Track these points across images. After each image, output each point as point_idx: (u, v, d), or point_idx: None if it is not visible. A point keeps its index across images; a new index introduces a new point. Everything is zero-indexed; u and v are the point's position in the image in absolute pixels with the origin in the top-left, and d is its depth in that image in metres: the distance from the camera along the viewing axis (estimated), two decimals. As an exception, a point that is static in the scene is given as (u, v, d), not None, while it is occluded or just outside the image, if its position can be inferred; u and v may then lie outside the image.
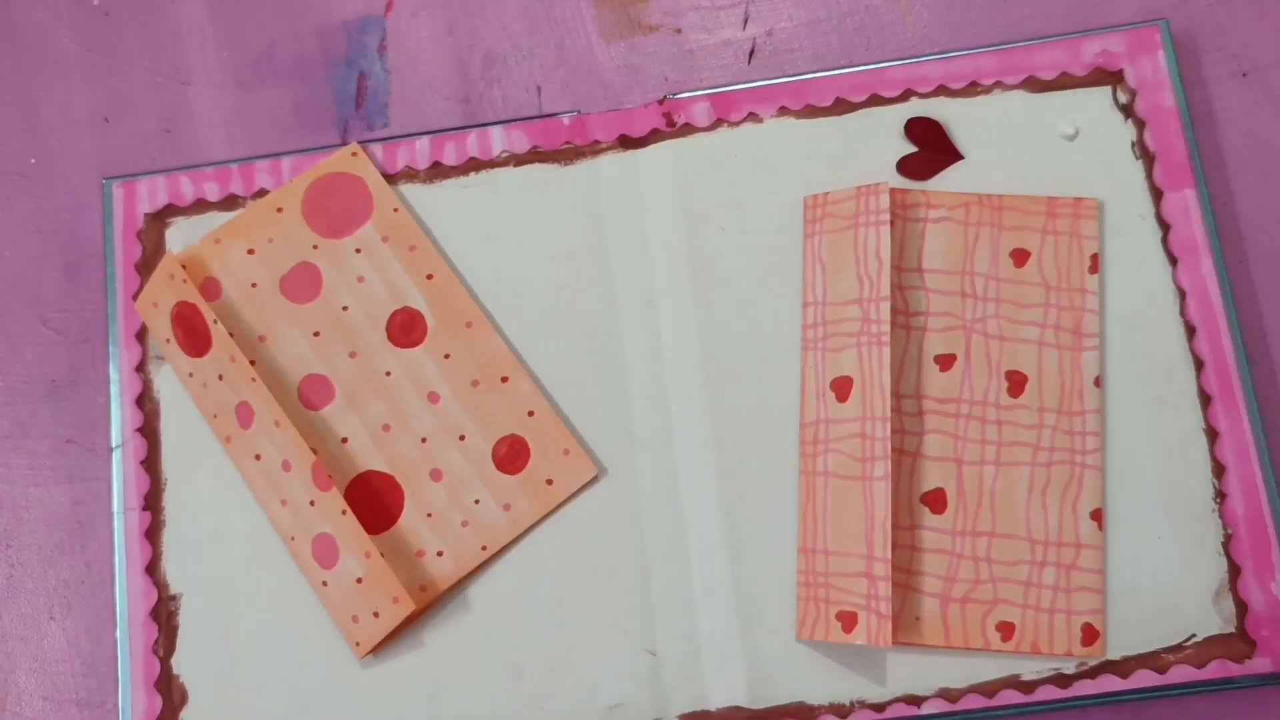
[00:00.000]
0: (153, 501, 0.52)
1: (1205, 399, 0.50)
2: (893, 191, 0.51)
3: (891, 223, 0.50)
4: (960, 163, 0.53)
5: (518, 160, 0.55)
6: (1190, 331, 0.51)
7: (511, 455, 0.52)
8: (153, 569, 0.51)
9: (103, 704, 0.51)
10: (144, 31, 0.58)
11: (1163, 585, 0.49)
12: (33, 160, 0.56)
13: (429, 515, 0.51)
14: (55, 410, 0.54)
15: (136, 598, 0.51)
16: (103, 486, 0.53)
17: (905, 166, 0.53)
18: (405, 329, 0.53)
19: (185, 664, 0.51)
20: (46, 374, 0.54)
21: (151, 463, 0.52)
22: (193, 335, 0.52)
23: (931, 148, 0.53)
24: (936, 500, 0.50)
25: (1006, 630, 0.49)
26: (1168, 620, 0.49)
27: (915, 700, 0.49)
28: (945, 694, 0.49)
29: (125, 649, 0.50)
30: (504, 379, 0.53)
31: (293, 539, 0.51)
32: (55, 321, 0.55)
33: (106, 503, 0.52)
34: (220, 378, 0.51)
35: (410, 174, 0.55)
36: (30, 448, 0.53)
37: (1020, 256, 0.51)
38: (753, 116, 0.54)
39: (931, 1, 0.56)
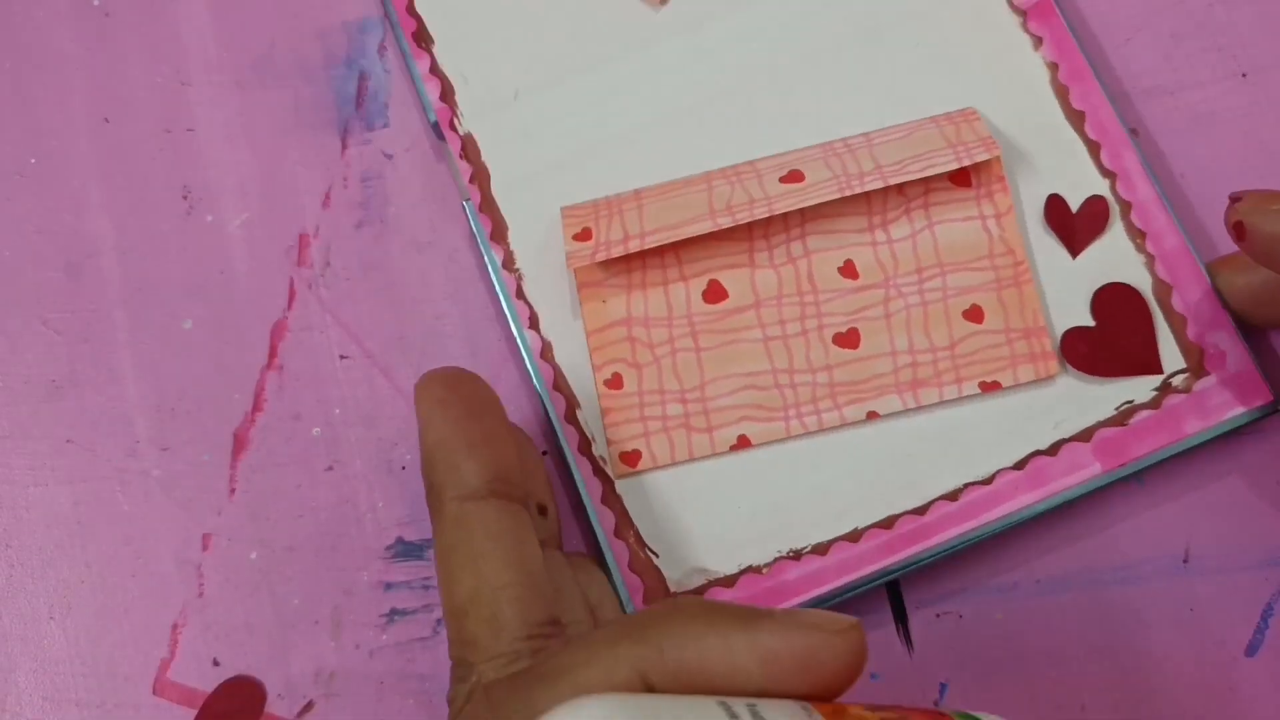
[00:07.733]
0: None
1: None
2: None
3: None
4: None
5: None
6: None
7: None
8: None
9: (103, 704, 0.51)
10: (144, 31, 0.57)
11: None
12: (33, 160, 0.56)
13: None
14: (55, 410, 0.54)
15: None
16: (103, 486, 0.53)
17: None
18: None
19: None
20: (46, 374, 0.54)
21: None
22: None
23: None
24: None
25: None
26: None
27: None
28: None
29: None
30: None
31: None
32: (55, 321, 0.55)
33: (107, 503, 0.52)
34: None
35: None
36: (30, 448, 0.53)
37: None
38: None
39: (931, 2, 0.56)
